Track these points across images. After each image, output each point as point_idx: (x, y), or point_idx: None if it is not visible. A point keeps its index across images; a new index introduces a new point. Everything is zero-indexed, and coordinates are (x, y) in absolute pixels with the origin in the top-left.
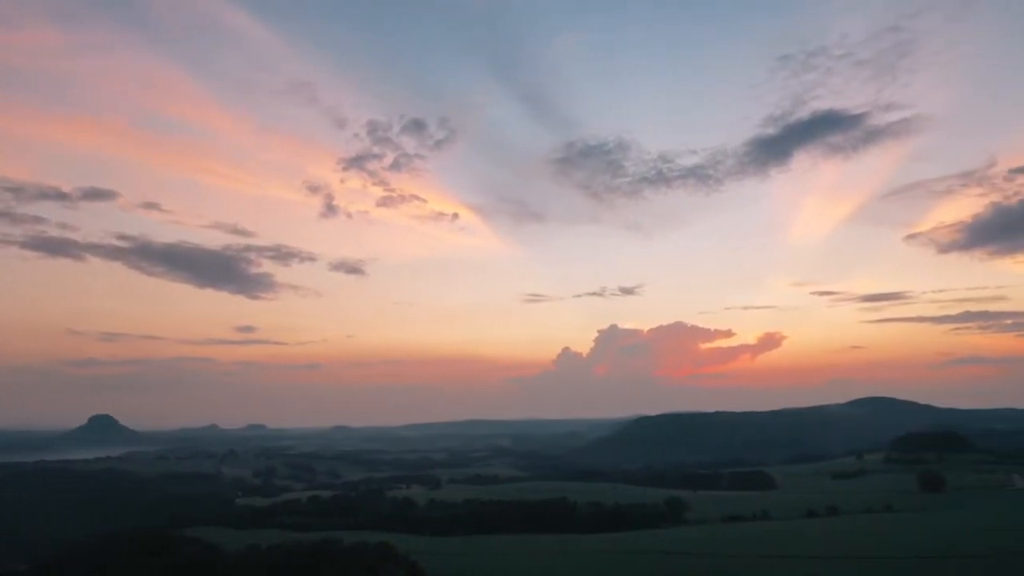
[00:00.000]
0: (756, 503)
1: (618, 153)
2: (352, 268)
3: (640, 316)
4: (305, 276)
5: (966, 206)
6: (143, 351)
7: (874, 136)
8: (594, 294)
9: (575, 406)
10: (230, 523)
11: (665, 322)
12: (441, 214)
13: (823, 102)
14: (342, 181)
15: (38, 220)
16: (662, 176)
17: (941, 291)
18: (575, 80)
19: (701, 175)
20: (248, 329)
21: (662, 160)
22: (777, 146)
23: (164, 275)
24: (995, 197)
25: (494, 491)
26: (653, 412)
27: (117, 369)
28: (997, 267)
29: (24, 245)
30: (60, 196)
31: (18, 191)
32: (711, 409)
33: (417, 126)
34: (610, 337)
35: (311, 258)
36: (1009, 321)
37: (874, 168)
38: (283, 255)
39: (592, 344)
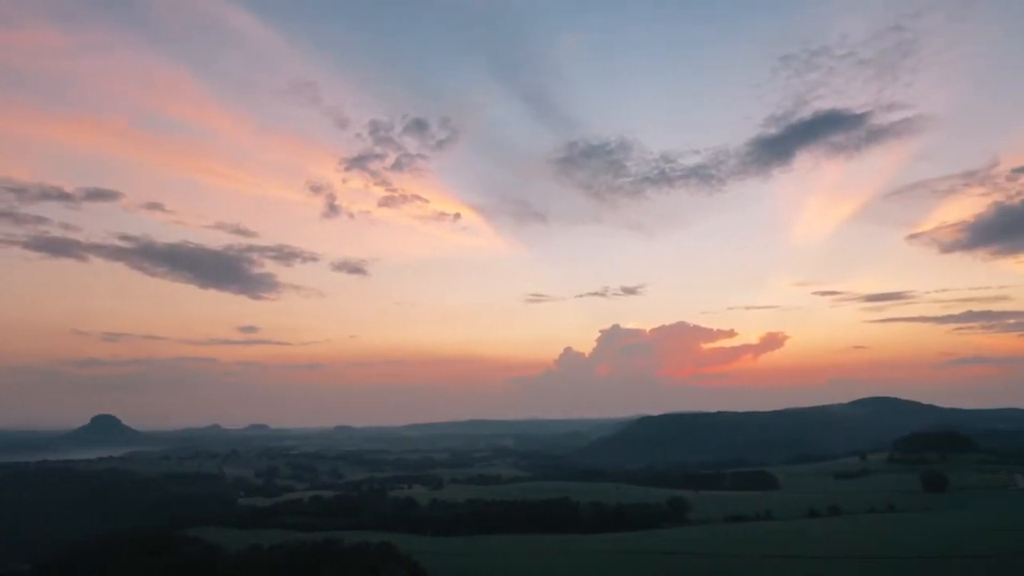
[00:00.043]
0: (759, 503)
1: (620, 153)
2: (354, 268)
3: (642, 316)
4: (307, 276)
5: (969, 206)
6: (146, 351)
7: (876, 136)
8: (596, 294)
9: (577, 406)
10: (232, 523)
11: (667, 322)
12: (443, 214)
13: (825, 102)
14: (344, 181)
15: (41, 220)
16: (664, 176)
17: (944, 291)
18: (577, 80)
19: (703, 175)
20: (250, 329)
21: (664, 160)
22: (779, 146)
23: (167, 275)
24: (998, 197)
25: (496, 491)
26: (655, 412)
27: (120, 369)
28: (1000, 267)
29: (27, 245)
30: (63, 196)
31: (21, 192)
32: (713, 409)
33: (419, 126)
34: (612, 337)
35: (313, 258)
36: (1012, 321)
37: (877, 168)
38: (285, 255)
39: (594, 344)
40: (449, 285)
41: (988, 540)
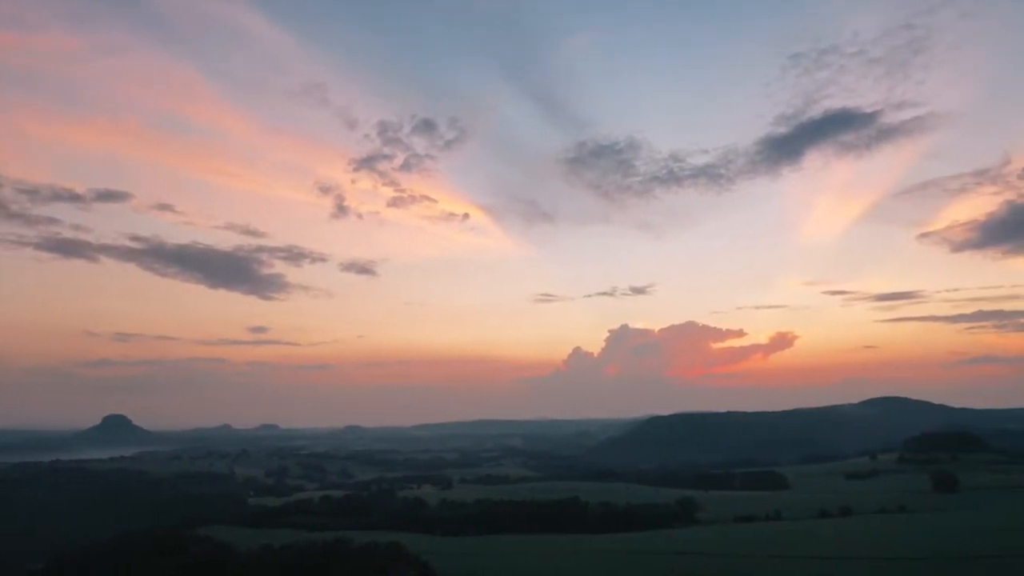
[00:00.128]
0: (768, 503)
1: (629, 153)
2: (363, 268)
3: (651, 316)
4: (316, 276)
5: (980, 204)
6: (156, 351)
7: (887, 134)
8: (605, 294)
9: (586, 406)
10: (243, 523)
11: (676, 322)
12: (452, 214)
13: (835, 100)
14: (353, 182)
15: (52, 221)
16: (673, 175)
17: (955, 290)
18: (586, 80)
19: (712, 174)
20: (260, 330)
21: (673, 159)
22: (789, 145)
23: (177, 276)
24: (1009, 195)
25: (505, 491)
26: (665, 412)
27: (131, 369)
28: (1011, 266)
29: (39, 247)
30: (74, 197)
31: (33, 193)
32: (723, 409)
33: (427, 126)
34: (621, 337)
35: (322, 259)
36: (1023, 320)
37: (887, 167)
38: (295, 256)
39: (603, 344)
40: (458, 285)
41: (999, 540)
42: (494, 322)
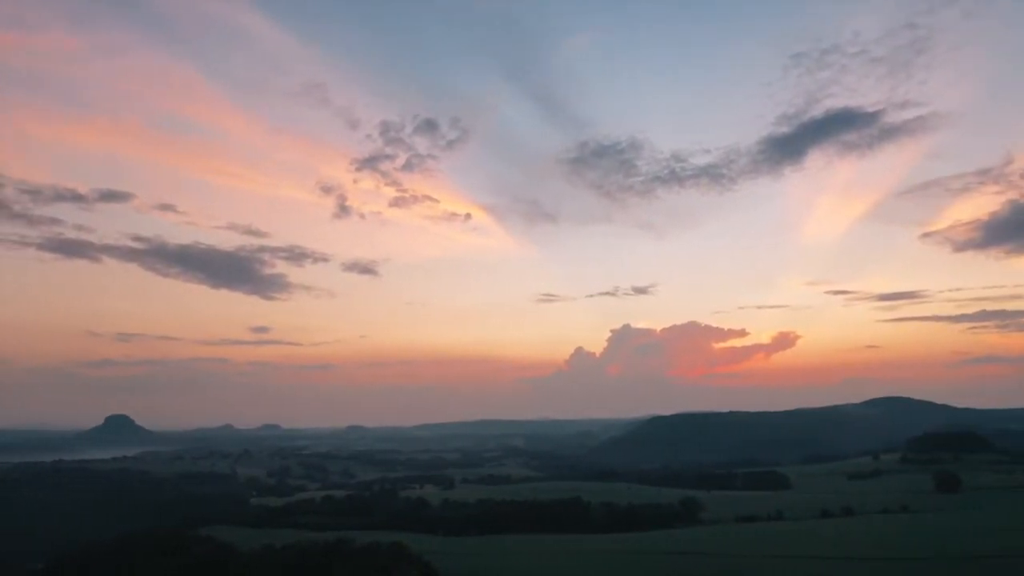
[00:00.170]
0: (771, 503)
1: (631, 153)
2: (365, 268)
3: (653, 316)
4: (318, 276)
5: (983, 204)
6: (159, 352)
7: (889, 134)
8: (607, 294)
9: (588, 406)
10: (245, 523)
11: (678, 322)
12: (454, 214)
13: (837, 100)
14: (355, 182)
15: (55, 222)
16: (675, 175)
17: (957, 290)
18: (587, 80)
19: (714, 174)
20: (262, 330)
21: (675, 159)
22: (791, 145)
23: (179, 276)
24: (1012, 195)
25: (507, 491)
26: (667, 412)
27: (133, 369)
28: (1014, 265)
29: (41, 247)
30: (76, 198)
31: (35, 193)
32: (725, 409)
33: (429, 126)
34: (623, 337)
35: (324, 259)
36: None
37: (889, 166)
38: (296, 256)
39: (605, 344)
40: (460, 285)
41: (1002, 540)
42: (496, 322)
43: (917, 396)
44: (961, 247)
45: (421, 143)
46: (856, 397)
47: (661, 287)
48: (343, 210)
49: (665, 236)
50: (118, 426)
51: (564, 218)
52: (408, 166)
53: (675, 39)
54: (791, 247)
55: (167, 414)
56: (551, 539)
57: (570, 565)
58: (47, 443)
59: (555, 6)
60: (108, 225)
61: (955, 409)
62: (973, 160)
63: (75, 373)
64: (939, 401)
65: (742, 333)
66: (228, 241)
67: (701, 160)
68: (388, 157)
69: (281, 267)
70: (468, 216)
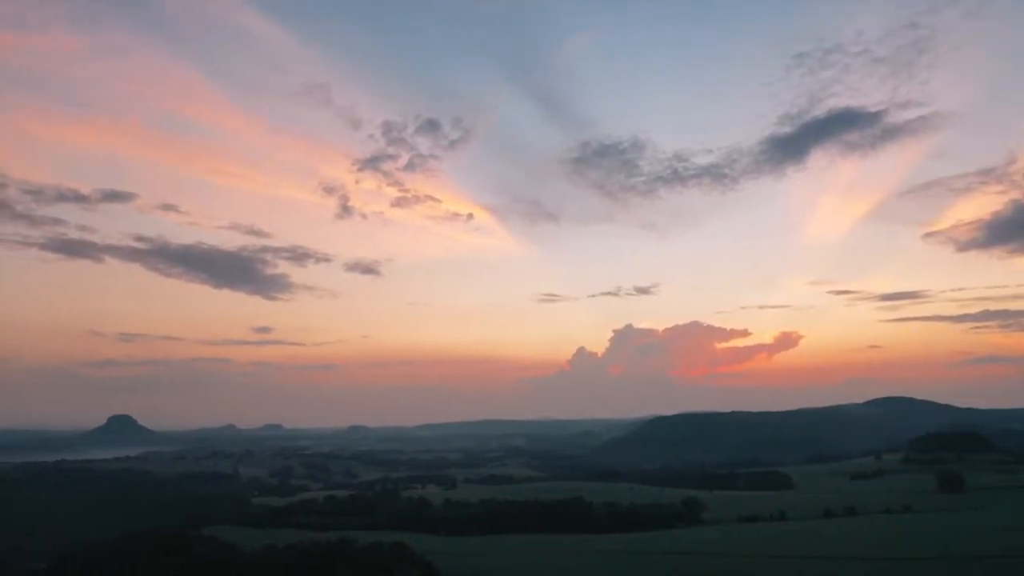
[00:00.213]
0: (773, 503)
1: (633, 152)
2: (367, 269)
3: (655, 316)
4: (321, 277)
5: (985, 204)
6: (161, 352)
7: (892, 134)
8: (609, 294)
9: (590, 406)
10: (247, 523)
11: (680, 322)
12: (456, 214)
13: (840, 100)
14: (357, 182)
15: (58, 222)
16: (677, 175)
17: (960, 290)
18: (589, 79)
19: (716, 174)
20: (265, 330)
21: (677, 159)
22: (793, 144)
23: (181, 276)
24: (1015, 195)
25: (509, 491)
26: (669, 412)
27: (135, 370)
28: (1016, 265)
29: (44, 247)
30: (79, 198)
31: (38, 193)
32: (727, 409)
33: (431, 126)
34: (625, 337)
35: (326, 259)
36: None
37: (892, 166)
38: (299, 256)
39: (607, 344)
40: (462, 285)
41: (1005, 540)
42: (498, 322)
43: (920, 396)
44: (964, 247)
45: (423, 143)
46: (859, 397)
47: (663, 287)
48: (345, 210)
49: (667, 236)
50: (121, 426)
51: (566, 218)
52: (410, 166)
53: (677, 39)
54: (793, 247)
55: (169, 414)
56: (553, 539)
57: (572, 565)
58: (50, 443)
59: (556, 6)
60: (110, 225)
61: (958, 409)
62: (975, 160)
63: (78, 373)
64: (942, 401)
65: (744, 333)
66: (230, 241)
67: (703, 160)
68: (390, 157)
69: (283, 267)
70: (470, 216)
